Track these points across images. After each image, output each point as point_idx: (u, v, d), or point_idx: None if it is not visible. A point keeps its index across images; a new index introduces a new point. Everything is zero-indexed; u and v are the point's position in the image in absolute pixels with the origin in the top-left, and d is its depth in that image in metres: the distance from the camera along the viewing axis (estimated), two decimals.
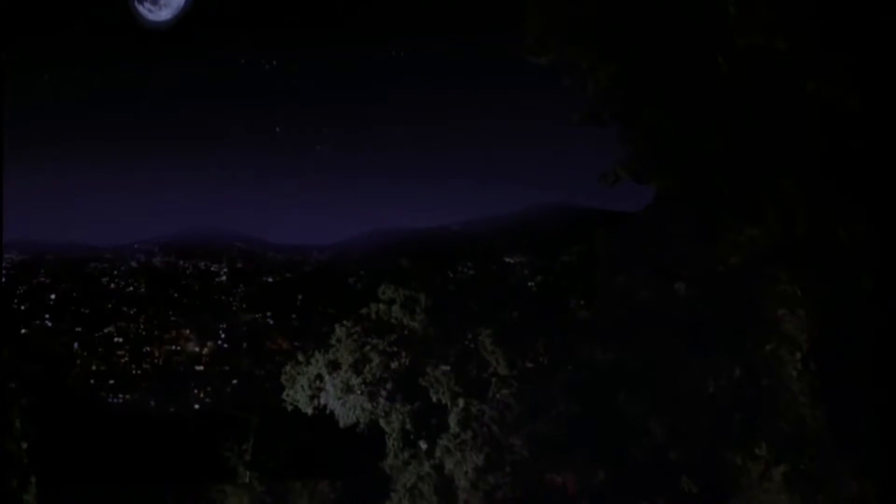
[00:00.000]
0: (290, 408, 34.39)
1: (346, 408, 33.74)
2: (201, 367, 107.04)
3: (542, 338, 34.82)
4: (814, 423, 16.32)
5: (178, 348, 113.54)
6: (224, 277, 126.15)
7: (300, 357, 34.77)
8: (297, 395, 34.02)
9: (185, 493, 28.36)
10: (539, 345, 34.88)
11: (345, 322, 34.39)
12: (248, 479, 23.36)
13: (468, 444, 33.71)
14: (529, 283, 55.88)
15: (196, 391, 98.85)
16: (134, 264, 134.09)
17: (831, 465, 16.15)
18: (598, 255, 18.98)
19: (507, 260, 71.12)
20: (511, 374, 33.60)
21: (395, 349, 34.18)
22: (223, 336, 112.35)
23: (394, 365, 34.01)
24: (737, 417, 17.69)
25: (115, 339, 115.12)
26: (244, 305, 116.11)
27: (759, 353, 16.59)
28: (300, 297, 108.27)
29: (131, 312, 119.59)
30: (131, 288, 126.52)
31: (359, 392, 33.53)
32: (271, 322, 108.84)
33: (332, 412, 34.34)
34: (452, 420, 33.76)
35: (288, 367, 34.82)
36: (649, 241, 17.89)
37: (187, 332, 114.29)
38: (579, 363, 19.47)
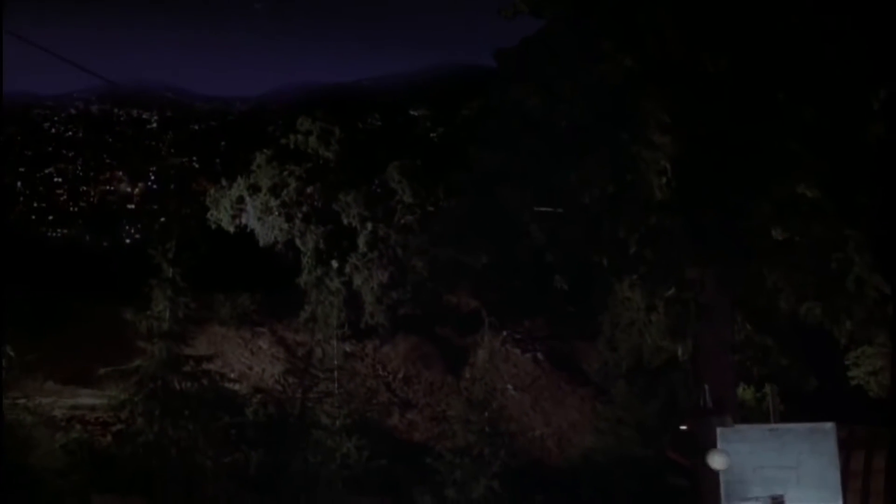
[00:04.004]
0: (213, 226, 33.83)
1: (265, 228, 33.42)
2: (132, 206, 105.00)
3: (443, 183, 34.80)
4: (669, 220, 16.76)
5: (112, 188, 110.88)
6: (154, 125, 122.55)
7: (223, 181, 34.06)
8: (221, 215, 33.48)
9: (115, 292, 27.87)
10: (440, 189, 34.88)
11: (265, 150, 33.67)
12: (171, 275, 22.93)
13: (374, 263, 33.94)
14: (432, 134, 55.34)
15: (128, 227, 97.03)
16: (73, 111, 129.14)
17: (678, 254, 16.72)
18: (498, 70, 18.78)
19: (412, 113, 70.04)
20: (415, 203, 33.65)
21: (311, 176, 33.72)
22: (153, 178, 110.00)
23: (309, 190, 33.62)
24: (606, 224, 17.93)
25: (55, 180, 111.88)
26: (172, 150, 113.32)
27: (627, 154, 16.77)
28: (223, 143, 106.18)
29: (70, 155, 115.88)
30: (70, 133, 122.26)
31: (277, 213, 33.16)
32: (197, 166, 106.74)
33: (252, 231, 33.95)
34: (361, 241, 33.81)
35: (212, 191, 34.15)
36: (539, 59, 17.74)
37: (120, 173, 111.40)
38: (468, 165, 19.44)
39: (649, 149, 17.28)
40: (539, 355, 37.45)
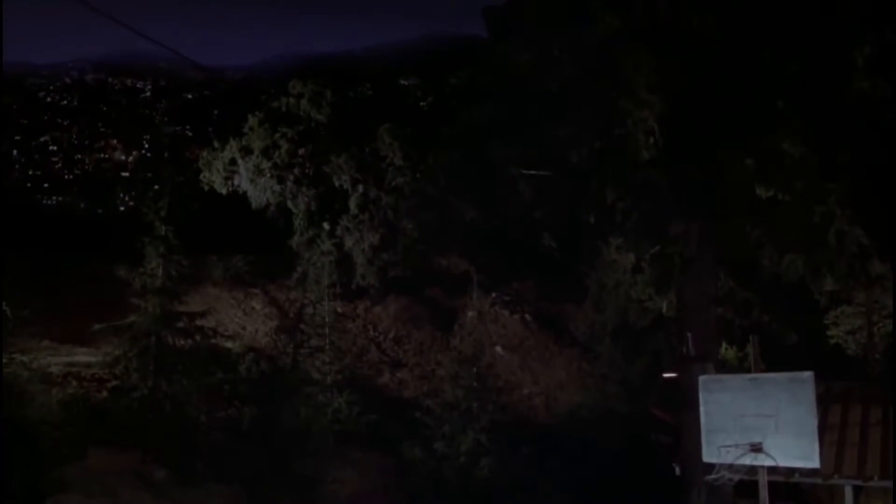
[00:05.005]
0: (206, 188, 33.45)
1: (258, 190, 33.08)
2: (127, 174, 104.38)
3: (433, 147, 34.52)
4: (655, 173, 16.72)
5: (107, 156, 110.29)
6: (148, 94, 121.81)
7: (216, 143, 33.67)
8: (213, 177, 33.08)
9: (110, 255, 27.60)
10: (429, 157, 34.59)
11: (257, 112, 33.29)
12: (163, 232, 22.77)
13: (365, 225, 33.77)
14: (421, 103, 54.89)
15: (122, 195, 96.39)
16: (68, 80, 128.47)
17: (663, 209, 16.68)
18: (487, 28, 18.60)
19: (403, 82, 69.58)
20: (406, 165, 33.41)
21: (303, 138, 33.38)
22: (147, 146, 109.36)
23: (301, 152, 33.30)
24: (593, 181, 17.88)
25: (50, 148, 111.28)
26: (166, 119, 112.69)
27: (615, 110, 16.66)
28: (216, 112, 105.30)
29: (65, 124, 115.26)
30: (65, 102, 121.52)
31: (269, 175, 32.83)
32: (190, 134, 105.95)
33: (244, 193, 33.62)
34: (352, 203, 33.58)
35: (205, 153, 33.74)
36: (528, 17, 17.52)
37: (115, 141, 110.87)
38: (456, 121, 19.29)
39: (637, 106, 17.18)
40: (527, 316, 37.53)
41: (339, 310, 32.76)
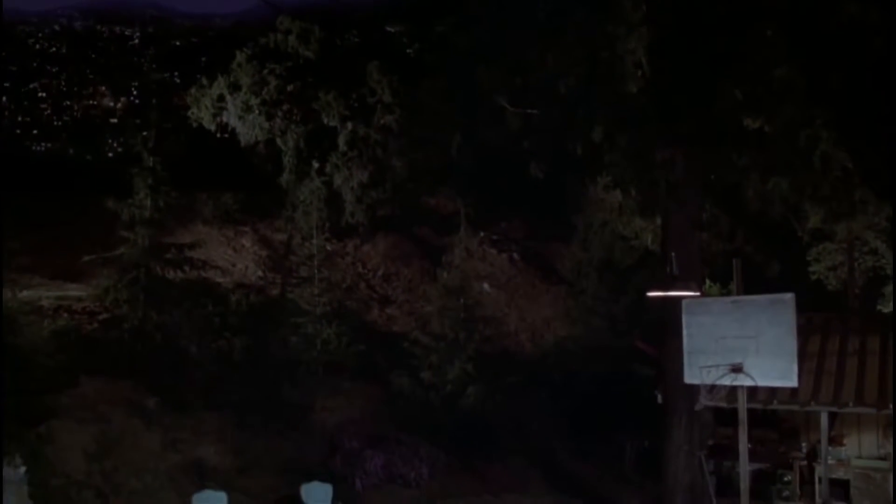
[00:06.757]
0: (195, 125, 32.79)
1: (247, 126, 32.38)
2: (115, 120, 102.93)
3: (420, 85, 33.91)
4: (642, 101, 16.53)
5: (95, 103, 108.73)
6: (136, 41, 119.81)
7: (204, 80, 32.96)
8: (202, 114, 32.36)
9: (98, 189, 27.21)
10: (417, 94, 33.95)
11: (245, 48, 32.55)
12: (151, 163, 22.54)
13: (355, 163, 33.28)
14: (408, 51, 53.97)
15: (110, 141, 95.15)
16: (57, 28, 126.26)
17: (650, 136, 16.48)
18: None
19: (389, 29, 68.23)
20: (394, 102, 32.86)
21: (291, 75, 32.72)
22: (135, 93, 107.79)
23: (289, 89, 32.68)
24: (580, 112, 17.64)
25: (39, 94, 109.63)
26: (154, 66, 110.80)
27: (603, 34, 16.34)
28: (204, 59, 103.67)
29: (54, 70, 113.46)
30: (54, 49, 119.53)
31: (257, 112, 32.18)
32: (178, 81, 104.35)
33: (233, 131, 33.01)
34: (341, 141, 33.08)
35: (193, 90, 33.00)
36: None
37: (103, 88, 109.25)
38: (442, 53, 18.97)
39: (626, 34, 16.89)
40: (515, 255, 37.55)
41: (329, 247, 32.63)
